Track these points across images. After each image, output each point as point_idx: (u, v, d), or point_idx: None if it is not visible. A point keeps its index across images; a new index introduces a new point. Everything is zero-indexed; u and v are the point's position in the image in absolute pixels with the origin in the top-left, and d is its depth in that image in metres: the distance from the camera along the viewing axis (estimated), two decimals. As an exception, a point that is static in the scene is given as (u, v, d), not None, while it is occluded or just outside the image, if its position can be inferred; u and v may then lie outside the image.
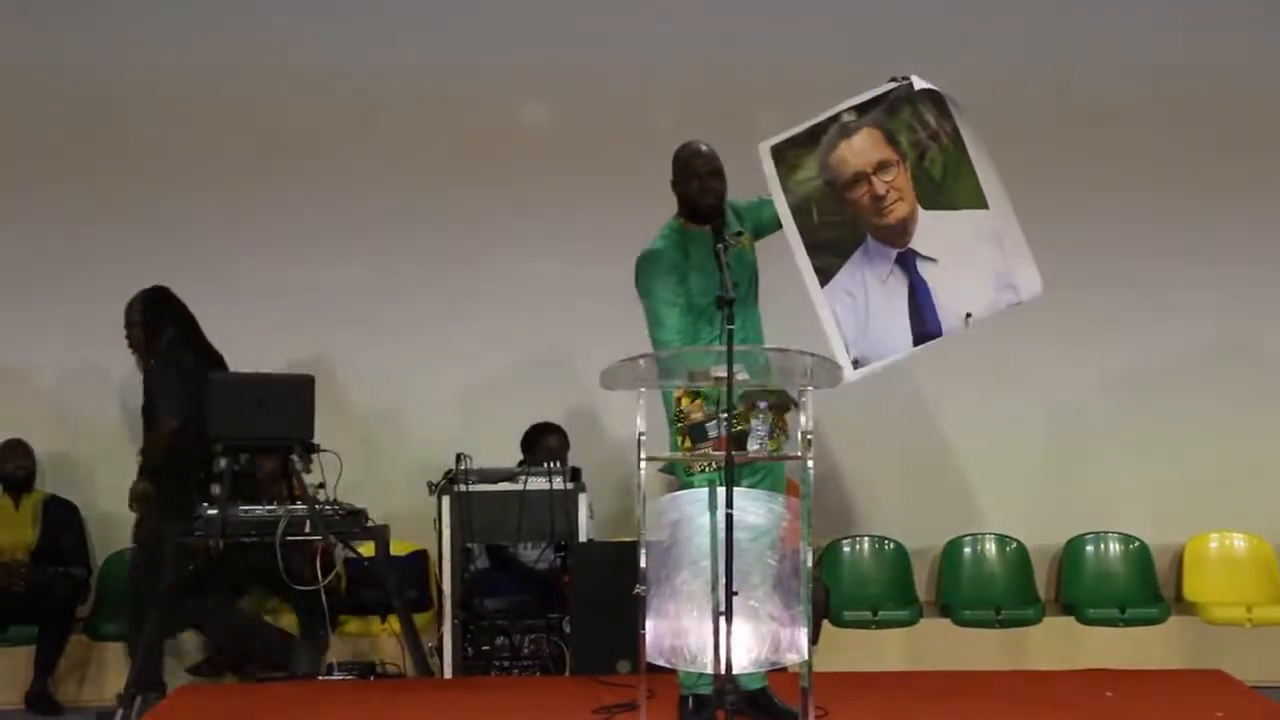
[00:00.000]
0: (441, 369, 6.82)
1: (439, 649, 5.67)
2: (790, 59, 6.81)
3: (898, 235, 4.46)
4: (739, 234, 4.45)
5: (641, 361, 4.00)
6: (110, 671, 6.12)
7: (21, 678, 6.10)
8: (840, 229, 4.45)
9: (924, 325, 4.45)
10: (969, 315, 4.43)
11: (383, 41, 6.92)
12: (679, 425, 4.27)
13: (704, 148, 4.47)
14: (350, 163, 6.86)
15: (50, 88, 6.84)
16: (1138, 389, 6.94)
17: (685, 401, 4.28)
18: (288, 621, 5.97)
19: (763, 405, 4.25)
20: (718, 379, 3.87)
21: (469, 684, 5.44)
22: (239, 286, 6.78)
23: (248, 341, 6.39)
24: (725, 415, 3.92)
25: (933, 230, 4.45)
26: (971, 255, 4.45)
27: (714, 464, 4.18)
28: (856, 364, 4.40)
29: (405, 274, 6.89)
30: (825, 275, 4.42)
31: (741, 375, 3.87)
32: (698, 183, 4.42)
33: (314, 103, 6.91)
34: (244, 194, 6.84)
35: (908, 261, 4.45)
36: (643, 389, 3.99)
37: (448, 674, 5.60)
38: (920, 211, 4.46)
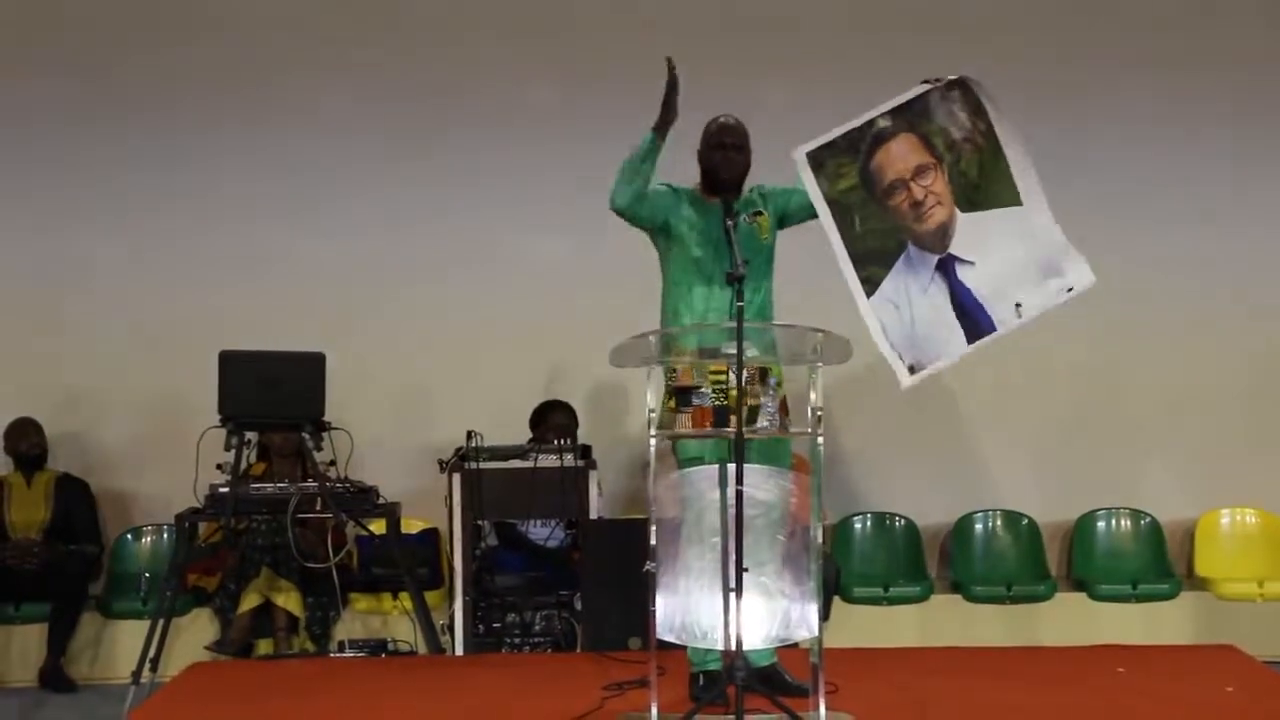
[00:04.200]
0: (452, 346, 6.82)
1: (450, 626, 5.68)
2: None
3: (937, 240, 4.41)
4: (758, 213, 4.46)
5: (651, 338, 4.00)
6: (122, 649, 6.13)
7: (34, 655, 6.11)
8: (883, 237, 4.39)
9: (976, 324, 4.40)
10: (1019, 305, 4.39)
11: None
12: (668, 383, 4.25)
13: (731, 121, 4.47)
14: (361, 142, 6.88)
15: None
16: (1148, 365, 6.92)
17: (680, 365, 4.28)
18: (293, 600, 5.98)
19: (772, 381, 4.23)
20: (728, 355, 3.85)
21: (480, 661, 5.45)
22: (253, 262, 6.81)
23: (262, 318, 6.44)
24: (715, 389, 3.90)
25: (971, 232, 4.41)
26: (1010, 251, 4.41)
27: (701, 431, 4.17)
28: (912, 370, 4.35)
29: (417, 253, 6.87)
30: (871, 286, 4.35)
31: (750, 351, 3.86)
32: (720, 154, 4.43)
33: (341, 82, 6.94)
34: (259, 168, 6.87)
35: (947, 267, 4.40)
36: (652, 365, 3.99)
37: (459, 651, 5.61)
38: (958, 215, 4.42)
